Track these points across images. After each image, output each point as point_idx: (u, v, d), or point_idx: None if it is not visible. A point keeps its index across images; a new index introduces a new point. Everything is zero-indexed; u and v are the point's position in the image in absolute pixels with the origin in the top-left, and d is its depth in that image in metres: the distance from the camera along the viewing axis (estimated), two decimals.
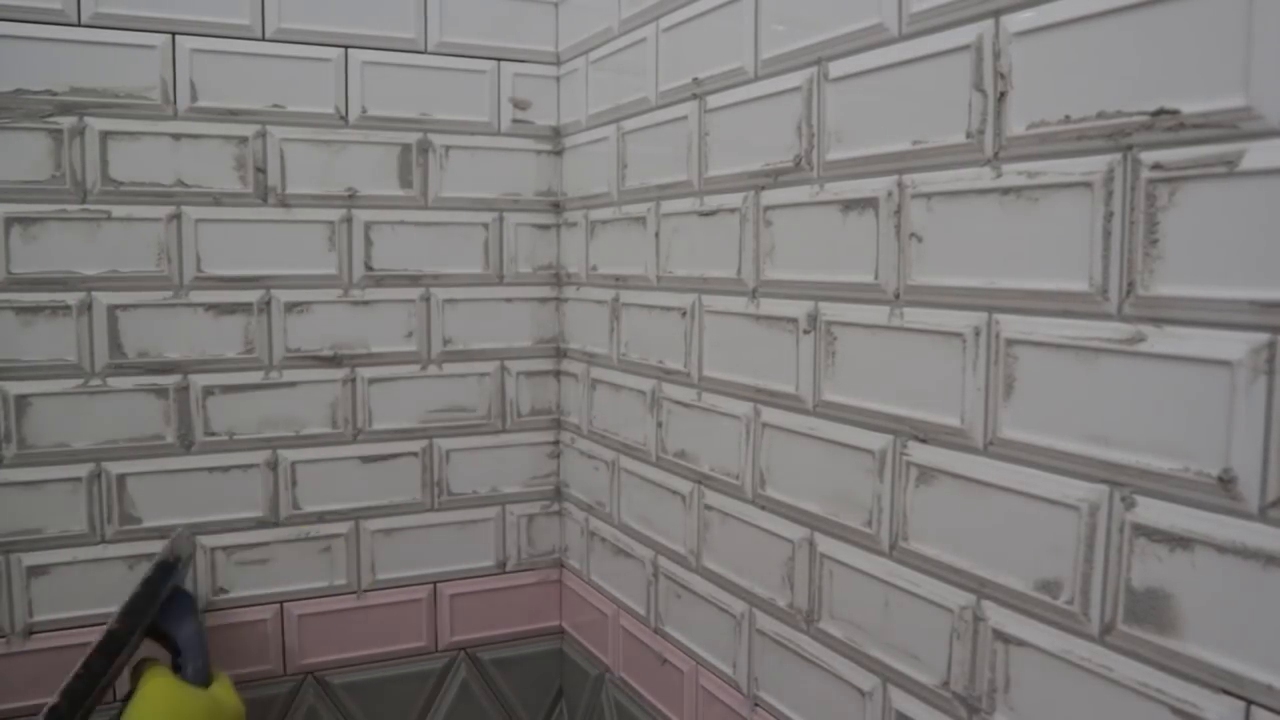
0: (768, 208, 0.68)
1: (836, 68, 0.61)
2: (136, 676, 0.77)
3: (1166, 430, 0.42)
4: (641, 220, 0.85)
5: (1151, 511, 0.43)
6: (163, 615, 0.77)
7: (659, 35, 0.80)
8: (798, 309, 0.65)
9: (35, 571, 0.86)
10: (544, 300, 1.03)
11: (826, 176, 0.62)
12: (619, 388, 0.90)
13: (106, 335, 0.86)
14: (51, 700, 0.67)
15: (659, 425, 0.83)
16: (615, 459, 0.92)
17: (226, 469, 0.91)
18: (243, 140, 0.89)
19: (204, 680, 0.78)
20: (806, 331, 0.65)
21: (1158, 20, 0.42)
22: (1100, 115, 0.44)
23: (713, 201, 0.74)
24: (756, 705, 0.72)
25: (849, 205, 0.60)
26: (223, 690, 0.79)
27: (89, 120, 0.84)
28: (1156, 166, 0.42)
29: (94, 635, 0.88)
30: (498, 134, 0.99)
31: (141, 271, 0.87)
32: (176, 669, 0.78)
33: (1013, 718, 0.50)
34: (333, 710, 0.97)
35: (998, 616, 0.51)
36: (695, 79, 0.75)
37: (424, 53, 0.95)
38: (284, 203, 0.91)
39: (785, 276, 0.67)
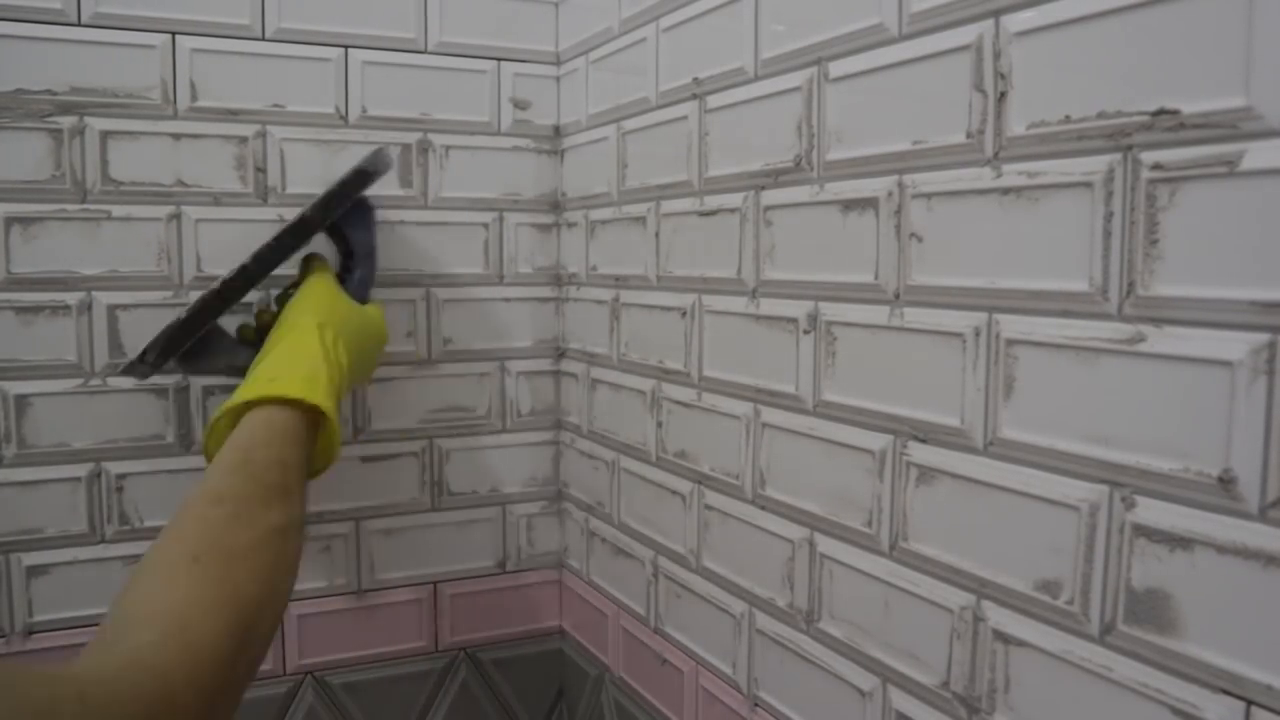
0: (768, 208, 0.68)
1: (836, 68, 0.61)
2: (304, 268, 0.80)
3: (1166, 430, 0.42)
4: (641, 220, 0.85)
5: (1151, 512, 0.43)
6: (345, 218, 0.81)
7: (659, 35, 0.80)
8: (798, 309, 0.65)
9: (35, 571, 0.86)
10: (544, 300, 1.03)
11: (826, 176, 0.62)
12: (619, 388, 0.90)
13: (106, 335, 0.86)
14: (244, 260, 0.72)
15: (659, 425, 0.83)
16: (615, 459, 0.92)
17: None
18: (243, 140, 0.89)
19: (362, 297, 0.81)
20: (806, 331, 0.65)
21: (1158, 20, 0.42)
22: (1100, 115, 0.44)
23: (713, 201, 0.74)
24: (756, 705, 0.72)
25: (849, 205, 0.60)
26: (375, 311, 0.80)
27: (89, 120, 0.84)
28: (1157, 166, 0.42)
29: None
30: (498, 134, 0.99)
31: (141, 271, 0.87)
32: (343, 276, 0.81)
33: (1013, 718, 0.50)
34: (333, 710, 0.97)
35: (998, 616, 0.51)
36: (695, 79, 0.75)
37: (424, 53, 0.95)
38: (284, 202, 0.91)
39: (785, 276, 0.67)
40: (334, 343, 0.68)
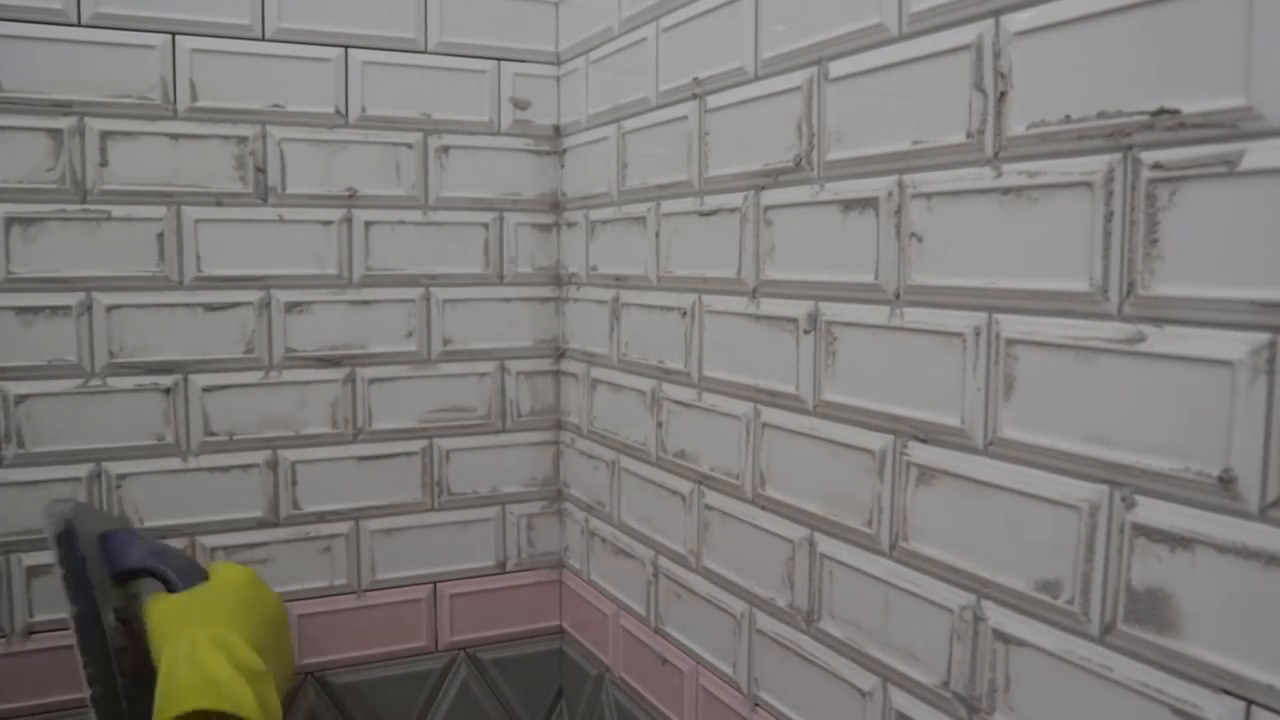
0: (768, 208, 0.68)
1: (836, 68, 0.61)
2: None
3: (1166, 430, 0.42)
4: (641, 220, 0.85)
5: (1151, 511, 0.43)
6: (114, 562, 0.74)
7: (659, 35, 0.80)
8: (798, 309, 0.65)
9: (35, 571, 0.86)
10: (544, 300, 1.03)
11: (827, 176, 0.62)
12: (619, 388, 0.90)
13: (106, 335, 0.86)
14: (88, 693, 0.68)
15: (659, 425, 0.83)
16: (615, 459, 0.92)
17: (227, 469, 0.91)
18: (243, 140, 0.89)
19: (197, 577, 0.73)
20: (806, 331, 0.65)
21: (1158, 20, 0.42)
22: (1100, 115, 0.44)
23: (713, 201, 0.74)
24: (756, 705, 0.72)
25: (849, 205, 0.60)
26: (223, 570, 0.74)
27: (89, 120, 0.84)
28: (1157, 166, 0.42)
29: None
30: (498, 134, 0.99)
31: (141, 271, 0.87)
32: (170, 589, 0.73)
33: (1013, 718, 0.50)
34: (333, 710, 0.97)
35: (998, 616, 0.51)
36: (695, 79, 0.75)
37: (424, 53, 0.95)
38: (284, 202, 0.91)
39: (785, 276, 0.67)
40: (232, 650, 0.65)
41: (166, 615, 0.68)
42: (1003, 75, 0.49)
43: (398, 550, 0.98)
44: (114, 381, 0.87)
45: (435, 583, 1.00)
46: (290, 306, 0.92)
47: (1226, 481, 0.40)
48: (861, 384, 0.60)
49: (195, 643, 0.64)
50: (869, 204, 0.59)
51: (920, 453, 0.56)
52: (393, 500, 0.98)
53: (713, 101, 0.73)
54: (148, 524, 0.89)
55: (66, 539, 0.72)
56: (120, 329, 0.87)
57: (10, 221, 0.83)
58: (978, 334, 0.51)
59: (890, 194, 0.57)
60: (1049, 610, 0.48)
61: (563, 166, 1.01)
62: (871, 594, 0.60)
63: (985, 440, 0.51)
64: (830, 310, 0.62)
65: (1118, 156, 0.44)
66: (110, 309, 0.86)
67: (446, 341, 0.99)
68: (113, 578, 0.74)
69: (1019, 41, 0.48)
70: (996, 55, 0.49)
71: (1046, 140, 0.47)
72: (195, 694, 0.60)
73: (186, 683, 0.62)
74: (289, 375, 0.93)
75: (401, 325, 0.97)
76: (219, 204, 0.89)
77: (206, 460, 0.91)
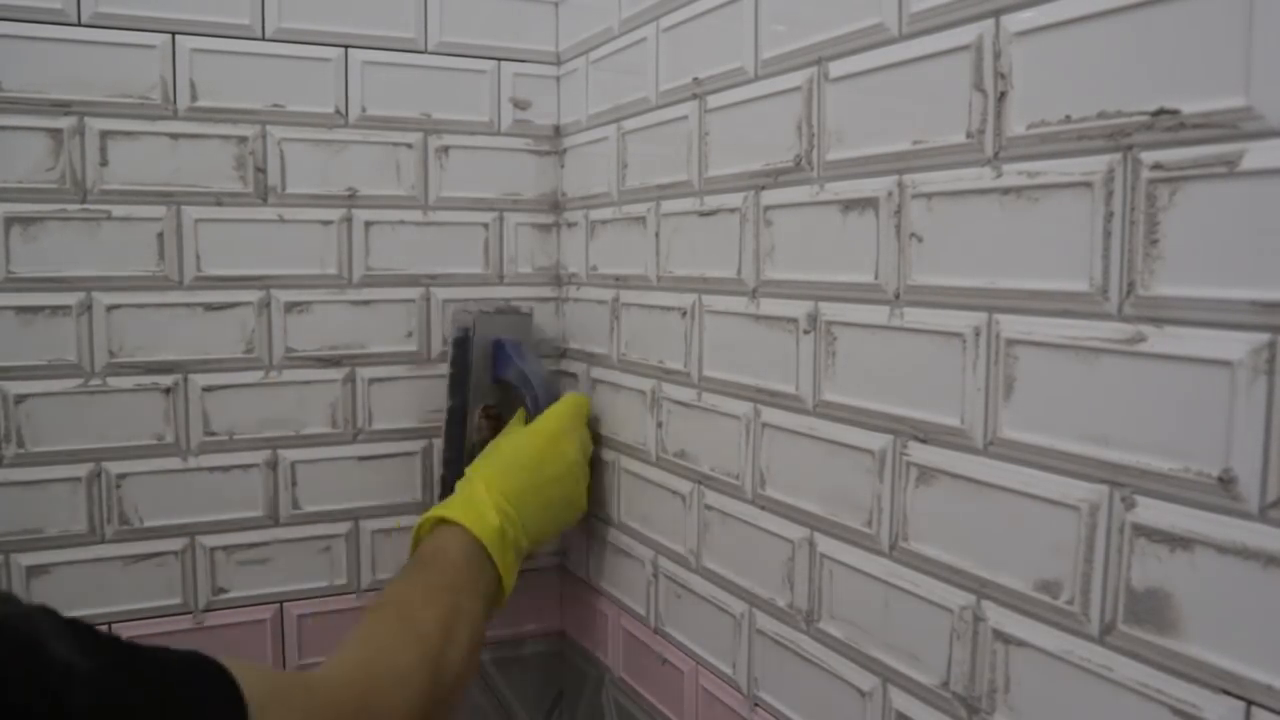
0: (768, 208, 0.68)
1: (836, 68, 0.61)
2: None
3: (1166, 430, 0.42)
4: (641, 220, 0.85)
5: (1151, 511, 0.43)
6: (497, 368, 0.93)
7: (659, 35, 0.80)
8: (798, 309, 0.65)
9: (35, 571, 0.86)
10: (544, 300, 1.03)
11: (826, 176, 0.62)
12: (619, 388, 0.90)
13: (106, 335, 0.86)
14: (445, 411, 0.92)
15: (659, 425, 0.83)
16: (615, 459, 0.92)
17: (227, 469, 0.91)
18: (243, 140, 0.89)
19: (546, 406, 0.90)
20: (806, 331, 0.65)
21: (1158, 20, 0.42)
22: (1100, 115, 0.44)
23: (713, 201, 0.74)
24: (756, 705, 0.72)
25: (849, 205, 0.60)
26: (545, 416, 0.88)
27: (88, 120, 0.84)
28: (1157, 166, 0.42)
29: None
30: (498, 134, 0.99)
31: (141, 271, 0.87)
32: (528, 411, 0.91)
33: (1013, 718, 0.50)
34: None
35: (998, 616, 0.51)
36: (695, 79, 0.75)
37: (424, 52, 0.95)
38: (284, 202, 0.91)
39: (785, 276, 0.67)
40: (493, 492, 0.81)
41: (487, 457, 0.87)
42: (1003, 75, 0.49)
43: (398, 551, 0.98)
44: (114, 381, 0.87)
45: None
46: (290, 306, 0.92)
47: (1226, 481, 0.40)
48: (861, 384, 0.60)
49: (471, 479, 0.83)
50: (869, 204, 0.59)
51: (920, 453, 0.56)
52: (393, 500, 0.98)
53: (713, 101, 0.73)
54: (148, 524, 0.89)
55: (460, 345, 0.92)
56: (120, 329, 0.87)
57: (10, 221, 0.83)
58: (978, 334, 0.51)
59: (890, 194, 0.57)
60: (1049, 610, 0.48)
61: (563, 166, 1.01)
62: (871, 594, 0.60)
63: (985, 440, 0.51)
64: (830, 310, 0.62)
65: (1118, 156, 0.44)
66: (110, 309, 0.86)
67: (447, 341, 0.98)
68: (492, 379, 0.93)
69: (1019, 41, 0.48)
70: (996, 55, 0.49)
71: (1046, 140, 0.47)
72: (453, 508, 0.80)
73: (452, 500, 0.82)
74: (289, 375, 0.93)
75: (401, 325, 0.97)
76: (219, 204, 0.89)
77: (206, 460, 0.91)
